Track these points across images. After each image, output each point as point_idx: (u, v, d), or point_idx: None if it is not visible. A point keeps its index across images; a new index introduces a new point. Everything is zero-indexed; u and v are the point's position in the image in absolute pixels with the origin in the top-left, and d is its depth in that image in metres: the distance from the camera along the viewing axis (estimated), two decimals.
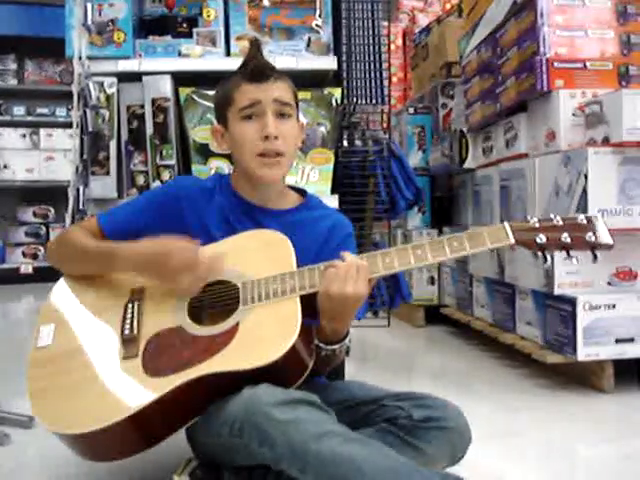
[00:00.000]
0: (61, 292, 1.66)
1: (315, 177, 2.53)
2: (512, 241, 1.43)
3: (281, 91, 1.64)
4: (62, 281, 1.68)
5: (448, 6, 5.20)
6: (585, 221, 1.44)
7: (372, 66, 3.10)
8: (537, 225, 1.44)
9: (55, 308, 1.63)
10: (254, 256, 1.56)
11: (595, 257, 1.43)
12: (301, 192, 1.79)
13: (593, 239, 1.42)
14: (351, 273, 1.40)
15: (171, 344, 1.46)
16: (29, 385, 1.50)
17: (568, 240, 1.42)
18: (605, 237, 1.43)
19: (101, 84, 2.52)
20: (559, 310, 2.55)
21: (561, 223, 1.44)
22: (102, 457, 1.49)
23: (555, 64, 2.67)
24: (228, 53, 2.61)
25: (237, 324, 1.43)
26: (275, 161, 1.62)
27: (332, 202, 2.47)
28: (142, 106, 2.54)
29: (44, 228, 6.55)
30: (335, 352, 1.51)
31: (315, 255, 1.59)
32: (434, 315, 4.01)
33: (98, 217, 1.70)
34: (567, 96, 2.66)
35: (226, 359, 1.38)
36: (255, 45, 1.66)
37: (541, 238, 1.43)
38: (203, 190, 1.71)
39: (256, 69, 1.63)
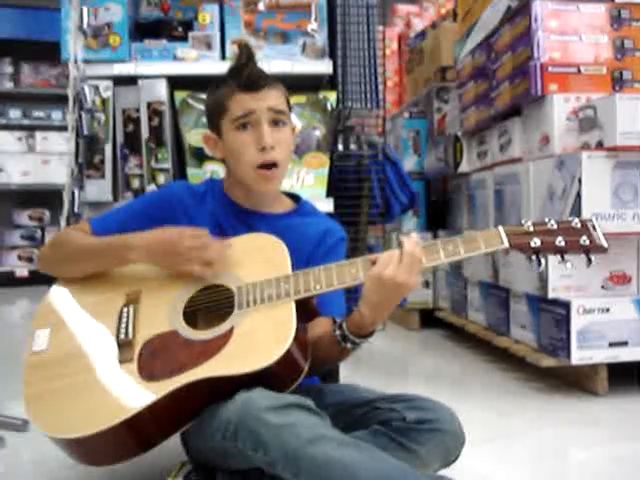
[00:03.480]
0: (56, 296, 1.65)
1: (310, 181, 2.54)
2: (506, 245, 1.42)
3: (275, 99, 1.64)
4: (57, 285, 1.67)
5: (443, 11, 5.22)
6: (579, 225, 1.44)
7: (367, 70, 3.11)
8: (531, 229, 1.44)
9: (50, 312, 1.62)
10: (249, 260, 1.55)
11: (589, 261, 1.42)
12: (295, 198, 1.79)
13: (587, 243, 1.42)
14: (406, 261, 1.39)
15: (166, 348, 1.46)
16: (24, 390, 1.49)
17: (562, 244, 1.42)
18: (600, 241, 1.42)
19: (97, 87, 2.53)
20: (553, 314, 2.56)
21: (555, 227, 1.43)
22: (98, 461, 1.49)
23: (549, 69, 2.68)
24: (223, 57, 2.62)
25: (232, 328, 1.43)
26: (272, 175, 1.64)
27: (327, 206, 2.47)
28: (137, 110, 2.55)
29: (39, 231, 6.55)
30: (358, 346, 1.49)
31: (306, 260, 1.60)
32: (429, 318, 4.02)
33: (91, 222, 1.70)
34: (561, 100, 2.67)
35: (221, 363, 1.38)
36: (246, 51, 1.64)
37: (535, 242, 1.42)
38: (195, 195, 1.71)
39: (250, 78, 1.62)
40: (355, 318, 1.45)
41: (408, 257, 1.39)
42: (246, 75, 1.62)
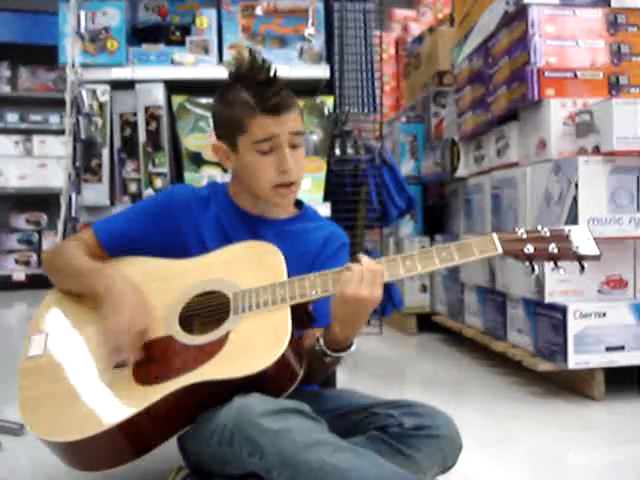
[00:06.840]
0: (53, 301, 1.66)
1: (307, 185, 2.54)
2: (500, 251, 1.45)
3: (294, 121, 1.61)
4: (54, 290, 1.68)
5: (440, 15, 5.24)
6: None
7: (364, 75, 3.12)
8: (525, 236, 1.46)
9: (47, 317, 1.63)
10: (245, 267, 1.56)
11: (582, 268, 1.45)
12: (298, 203, 1.79)
13: (580, 250, 1.44)
14: (367, 276, 1.39)
15: (161, 353, 1.46)
16: (19, 394, 1.49)
17: (555, 251, 1.44)
18: (591, 248, 1.45)
19: (94, 92, 2.53)
20: (550, 318, 2.56)
21: (548, 234, 1.46)
22: (92, 466, 1.48)
23: (546, 73, 2.69)
24: (221, 61, 2.63)
25: (227, 333, 1.44)
26: (290, 191, 1.63)
27: (324, 210, 2.48)
28: (135, 114, 2.55)
29: (37, 235, 6.56)
30: (339, 359, 1.50)
31: (309, 265, 1.60)
32: (426, 323, 4.02)
33: (94, 227, 1.69)
34: (558, 105, 2.68)
35: (216, 368, 1.38)
36: (268, 68, 1.60)
37: (529, 249, 1.44)
38: (199, 199, 1.71)
39: (277, 104, 1.56)
40: (329, 334, 1.47)
41: (368, 273, 1.40)
42: (274, 101, 1.56)
